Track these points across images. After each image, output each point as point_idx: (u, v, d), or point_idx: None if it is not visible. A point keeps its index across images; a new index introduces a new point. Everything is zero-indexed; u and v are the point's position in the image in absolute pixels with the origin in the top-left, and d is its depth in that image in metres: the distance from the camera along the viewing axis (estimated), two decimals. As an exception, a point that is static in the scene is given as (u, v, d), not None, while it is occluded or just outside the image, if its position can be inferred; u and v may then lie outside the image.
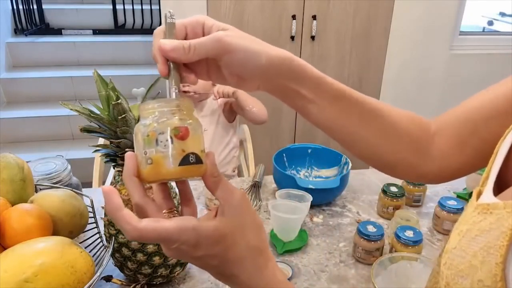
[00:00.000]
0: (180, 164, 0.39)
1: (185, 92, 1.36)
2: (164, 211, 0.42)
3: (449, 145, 0.55)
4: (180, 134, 0.39)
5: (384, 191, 1.13)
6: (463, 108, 0.56)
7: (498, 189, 0.38)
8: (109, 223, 0.82)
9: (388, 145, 0.54)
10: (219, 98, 1.37)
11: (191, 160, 0.39)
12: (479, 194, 0.38)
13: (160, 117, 0.40)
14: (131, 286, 0.83)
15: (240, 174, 1.72)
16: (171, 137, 0.39)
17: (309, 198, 1.06)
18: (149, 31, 3.73)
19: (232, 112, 1.47)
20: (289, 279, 0.90)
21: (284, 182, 1.20)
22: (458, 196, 1.20)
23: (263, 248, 0.43)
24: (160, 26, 0.48)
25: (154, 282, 0.86)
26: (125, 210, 0.38)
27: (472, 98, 0.56)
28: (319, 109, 0.51)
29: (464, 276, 0.33)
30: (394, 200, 1.12)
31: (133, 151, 0.41)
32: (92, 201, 0.92)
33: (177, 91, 0.46)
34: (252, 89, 0.50)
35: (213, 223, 0.40)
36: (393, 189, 1.13)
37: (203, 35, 0.47)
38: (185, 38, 0.47)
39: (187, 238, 0.38)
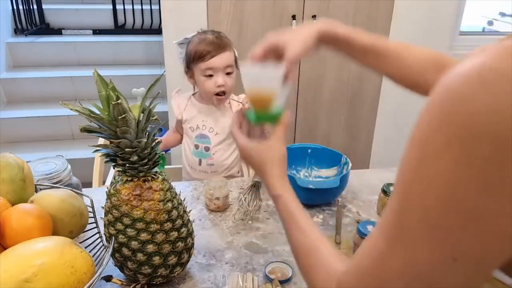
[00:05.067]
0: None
1: (219, 95, 1.41)
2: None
3: None
4: None
5: (384, 191, 1.13)
6: None
7: None
8: (109, 223, 0.82)
9: (407, 81, 0.77)
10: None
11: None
12: None
13: None
14: (131, 286, 0.83)
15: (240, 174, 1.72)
16: None
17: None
18: (149, 31, 3.72)
19: None
20: (289, 279, 0.90)
21: (284, 182, 1.20)
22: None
23: (274, 177, 0.70)
24: None
25: (154, 282, 0.86)
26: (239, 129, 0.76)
27: None
28: (355, 57, 0.79)
29: None
30: (394, 200, 1.12)
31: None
32: (92, 201, 0.92)
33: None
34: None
35: (249, 145, 0.72)
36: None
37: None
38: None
39: (240, 148, 0.74)
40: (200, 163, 1.48)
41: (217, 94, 1.40)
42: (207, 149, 1.47)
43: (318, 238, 0.58)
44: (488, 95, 0.32)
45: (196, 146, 1.48)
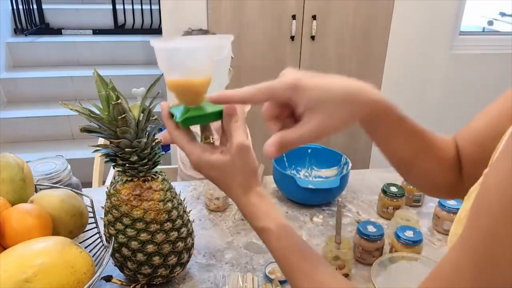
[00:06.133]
0: None
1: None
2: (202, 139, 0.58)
3: (469, 163, 0.58)
4: None
5: (384, 191, 1.13)
6: (472, 129, 0.57)
7: None
8: (109, 223, 0.82)
9: (437, 171, 0.58)
10: None
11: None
12: None
13: None
14: (131, 286, 0.83)
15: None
16: None
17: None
18: (149, 31, 3.73)
19: None
20: (289, 279, 0.90)
21: (284, 182, 1.20)
22: (458, 196, 1.20)
23: (247, 186, 0.55)
24: None
25: (154, 282, 0.86)
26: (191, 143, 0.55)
27: (482, 115, 0.56)
28: (386, 141, 0.56)
29: None
30: (394, 200, 1.12)
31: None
32: (92, 201, 0.92)
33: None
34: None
35: (212, 157, 0.54)
36: (393, 189, 1.13)
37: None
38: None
39: (195, 161, 0.55)
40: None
41: None
42: None
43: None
44: None
45: None
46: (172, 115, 0.55)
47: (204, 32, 1.39)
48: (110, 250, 0.78)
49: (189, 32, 1.39)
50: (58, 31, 3.69)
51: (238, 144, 0.53)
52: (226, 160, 0.54)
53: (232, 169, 0.54)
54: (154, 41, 0.51)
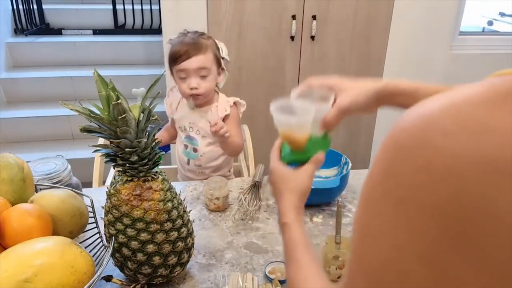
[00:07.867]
0: None
1: (195, 95, 1.35)
2: None
3: None
4: None
5: (384, 191, 1.13)
6: None
7: None
8: (109, 223, 0.82)
9: None
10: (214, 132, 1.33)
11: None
12: None
13: None
14: (131, 286, 0.83)
15: (240, 174, 1.72)
16: None
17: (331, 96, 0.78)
18: (149, 31, 3.72)
19: None
20: (289, 279, 0.90)
21: (284, 182, 1.20)
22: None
23: (290, 206, 0.69)
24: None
25: (154, 282, 0.87)
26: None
27: None
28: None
29: None
30: (394, 200, 1.12)
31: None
32: (92, 201, 0.92)
33: None
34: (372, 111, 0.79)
35: (278, 169, 0.75)
36: (393, 189, 1.13)
37: None
38: None
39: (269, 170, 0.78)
40: (188, 163, 1.48)
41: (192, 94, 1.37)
42: (195, 150, 1.46)
43: (311, 276, 0.58)
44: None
45: (186, 146, 1.48)
46: (281, 150, 0.80)
47: (200, 34, 1.39)
48: (110, 250, 0.78)
49: (184, 34, 1.39)
50: (58, 31, 3.69)
51: (307, 167, 0.73)
52: (291, 173, 0.73)
53: (290, 183, 0.72)
54: (273, 104, 0.73)
